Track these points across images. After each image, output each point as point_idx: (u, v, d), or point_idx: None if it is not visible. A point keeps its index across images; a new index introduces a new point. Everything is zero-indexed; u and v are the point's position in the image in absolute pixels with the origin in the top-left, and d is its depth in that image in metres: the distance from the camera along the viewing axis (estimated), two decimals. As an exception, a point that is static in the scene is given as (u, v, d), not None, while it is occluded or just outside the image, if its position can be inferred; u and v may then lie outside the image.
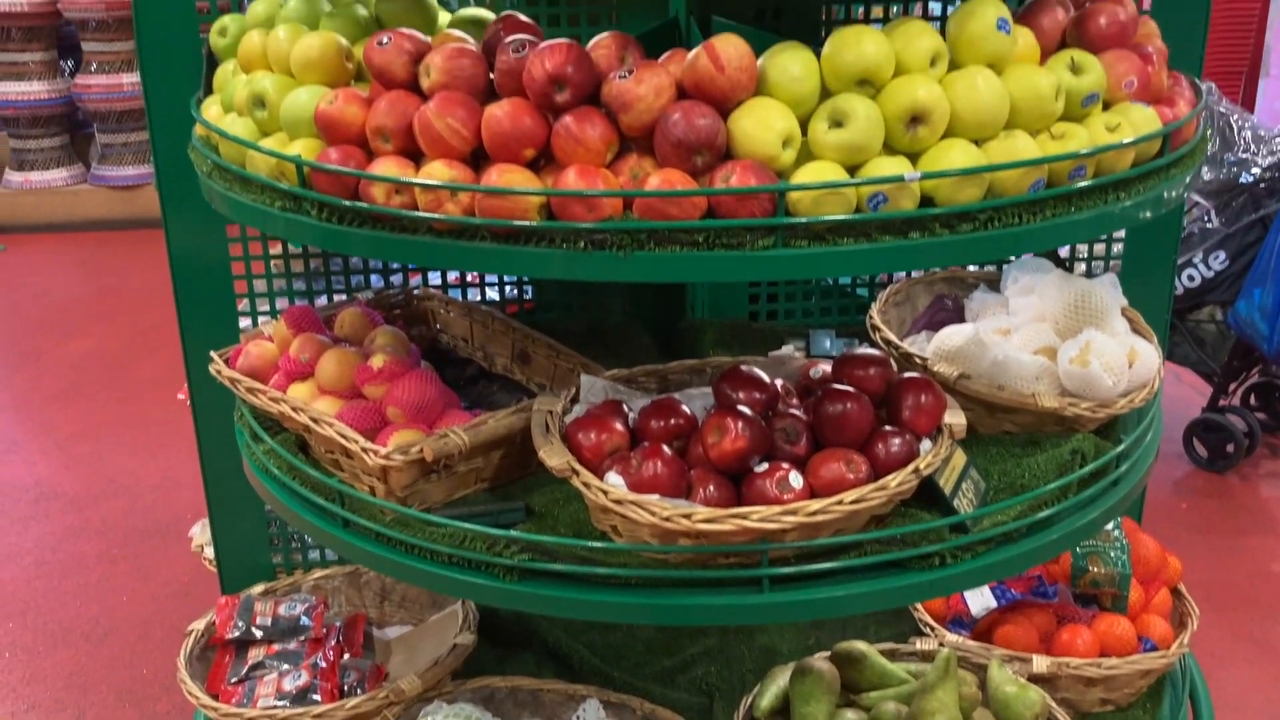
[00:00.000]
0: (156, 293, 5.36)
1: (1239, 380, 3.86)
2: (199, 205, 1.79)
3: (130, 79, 6.38)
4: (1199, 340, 3.70)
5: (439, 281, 2.34)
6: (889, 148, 1.41)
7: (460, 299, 2.19)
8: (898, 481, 1.48)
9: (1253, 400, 4.05)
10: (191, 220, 2.11)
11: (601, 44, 1.49)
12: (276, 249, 2.29)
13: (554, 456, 1.52)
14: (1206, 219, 3.50)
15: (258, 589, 2.27)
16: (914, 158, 1.41)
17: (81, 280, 5.82)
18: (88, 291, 5.65)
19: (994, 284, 2.09)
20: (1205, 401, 3.87)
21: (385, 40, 1.51)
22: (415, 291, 2.17)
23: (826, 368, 1.72)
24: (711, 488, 1.49)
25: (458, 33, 1.61)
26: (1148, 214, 1.50)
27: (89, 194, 6.67)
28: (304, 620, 2.16)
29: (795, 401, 1.67)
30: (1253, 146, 3.44)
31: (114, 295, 5.55)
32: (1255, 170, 3.44)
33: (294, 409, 1.71)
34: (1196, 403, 3.98)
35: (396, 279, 2.38)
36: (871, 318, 1.94)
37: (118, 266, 6.01)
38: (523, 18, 1.61)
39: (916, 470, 1.51)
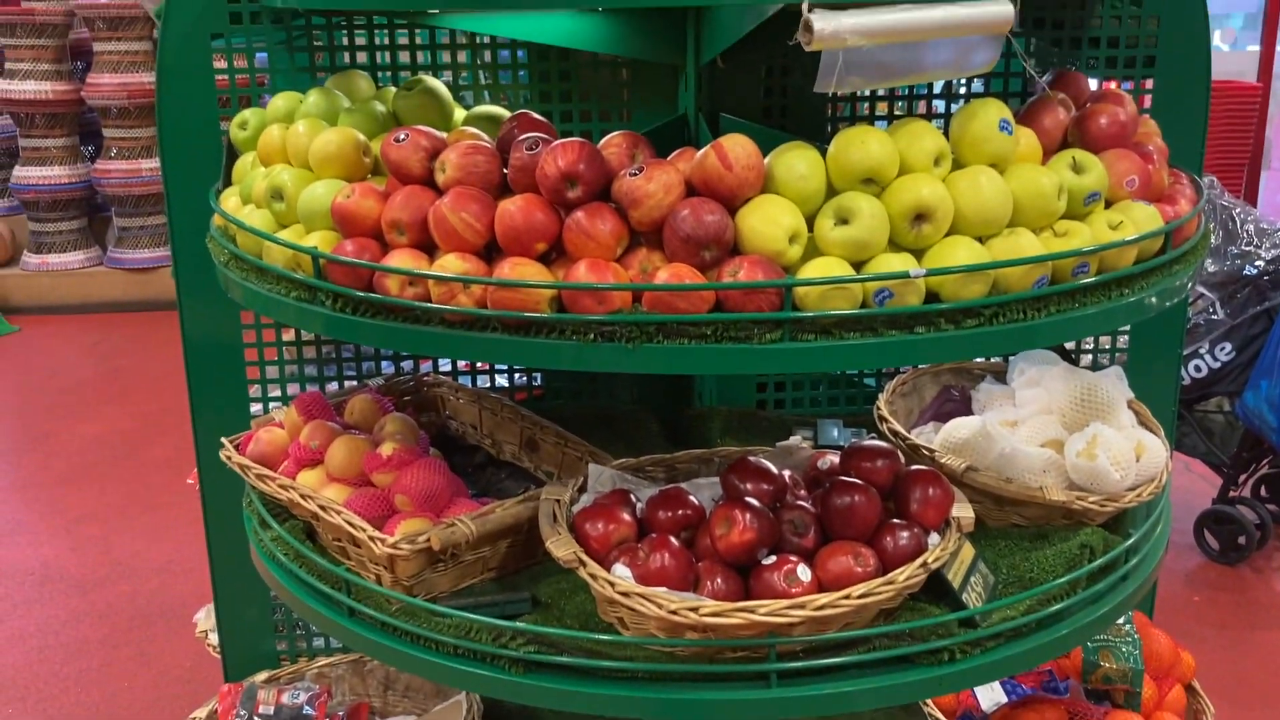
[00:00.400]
0: (168, 376, 5.40)
1: (1249, 471, 3.84)
2: (214, 290, 1.82)
3: (149, 164, 6.50)
4: (1207, 431, 3.70)
5: (449, 367, 2.36)
6: (894, 244, 1.43)
7: (470, 386, 2.21)
8: (906, 576, 1.48)
9: (1263, 491, 4.02)
10: (206, 305, 2.14)
11: (613, 142, 1.52)
12: (289, 335, 2.32)
13: (561, 547, 1.52)
14: (1212, 310, 3.52)
15: (261, 676, 2.25)
16: (919, 254, 1.43)
17: (94, 362, 5.87)
18: (100, 373, 5.69)
19: (1000, 375, 2.10)
20: (1215, 492, 3.84)
21: (402, 137, 1.55)
22: (425, 378, 2.19)
23: (834, 459, 1.73)
24: (719, 580, 1.49)
25: (472, 129, 1.65)
26: (1152, 310, 1.52)
27: (104, 276, 6.75)
28: (307, 709, 2.13)
29: (803, 493, 1.67)
30: (1255, 240, 3.48)
31: (126, 377, 5.59)
32: (1259, 263, 3.47)
33: (302, 495, 1.72)
34: (1206, 493, 3.95)
35: (407, 364, 2.40)
36: (879, 408, 1.95)
37: (131, 348, 6.05)
38: (536, 116, 1.66)
39: (925, 564, 1.50)
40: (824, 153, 1.46)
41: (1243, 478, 3.84)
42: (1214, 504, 3.81)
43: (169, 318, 2.39)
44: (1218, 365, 3.52)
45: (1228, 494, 3.81)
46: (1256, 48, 7.78)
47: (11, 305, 6.62)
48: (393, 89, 1.93)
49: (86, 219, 6.89)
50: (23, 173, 6.64)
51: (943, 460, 1.78)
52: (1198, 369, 3.56)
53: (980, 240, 1.44)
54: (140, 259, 6.69)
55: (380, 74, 2.15)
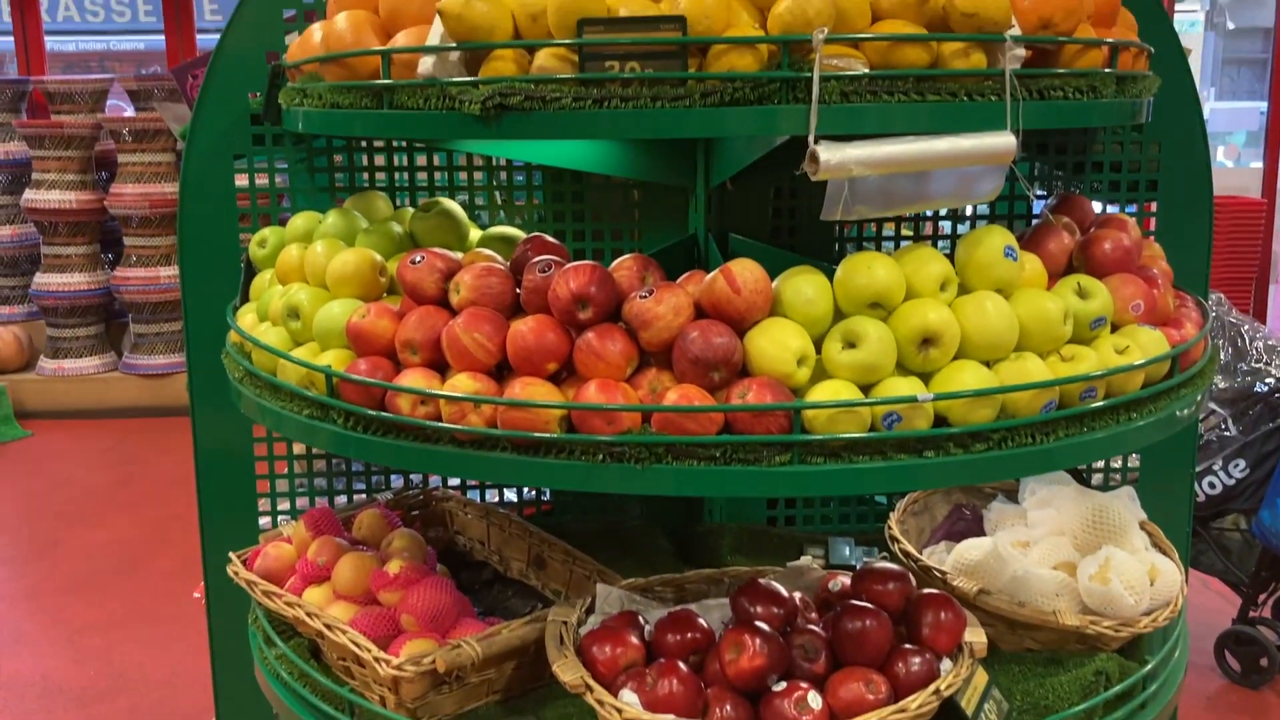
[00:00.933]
0: (178, 483, 5.40)
1: (1268, 591, 3.78)
2: (227, 401, 1.84)
3: (167, 271, 6.60)
4: (1224, 549, 3.65)
5: (459, 482, 2.36)
6: (902, 368, 1.44)
7: (479, 500, 2.21)
8: (919, 704, 1.45)
9: (1284, 611, 3.95)
10: (219, 415, 2.16)
11: (623, 265, 1.55)
12: (300, 447, 2.33)
13: (568, 672, 1.50)
14: (1224, 426, 3.51)
15: (260, 798, 2.20)
16: (926, 378, 1.44)
17: (104, 468, 5.87)
18: (110, 480, 5.69)
19: (1012, 494, 2.09)
20: (1235, 611, 3.78)
21: (418, 259, 1.58)
22: (434, 492, 2.18)
23: (846, 580, 1.71)
24: (728, 707, 1.46)
25: (487, 251, 1.69)
26: (1160, 435, 1.52)
27: (119, 382, 6.80)
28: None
29: (814, 616, 1.65)
30: (1265, 356, 3.48)
31: (136, 484, 5.59)
32: (1270, 380, 3.47)
33: (308, 613, 1.71)
34: (1226, 612, 3.88)
35: (417, 477, 2.40)
36: (890, 528, 1.94)
37: (141, 455, 6.06)
38: (549, 239, 1.69)
39: (938, 691, 1.48)
40: (831, 275, 1.48)
41: (1262, 597, 3.78)
42: (1234, 624, 3.73)
43: (182, 423, 2.41)
44: (1232, 482, 3.49)
45: (1248, 614, 3.74)
46: (1260, 164, 7.91)
47: (26, 410, 6.66)
48: (410, 210, 1.98)
49: (104, 325, 6.98)
50: (43, 280, 6.74)
51: (955, 583, 1.76)
52: (1212, 485, 3.53)
53: (987, 364, 1.45)
54: (155, 365, 6.75)
55: (399, 194, 2.20)
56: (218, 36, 2.04)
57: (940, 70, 1.39)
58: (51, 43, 10.14)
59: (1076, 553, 1.84)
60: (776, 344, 1.42)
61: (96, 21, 13.85)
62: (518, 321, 1.49)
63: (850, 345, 1.42)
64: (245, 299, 1.97)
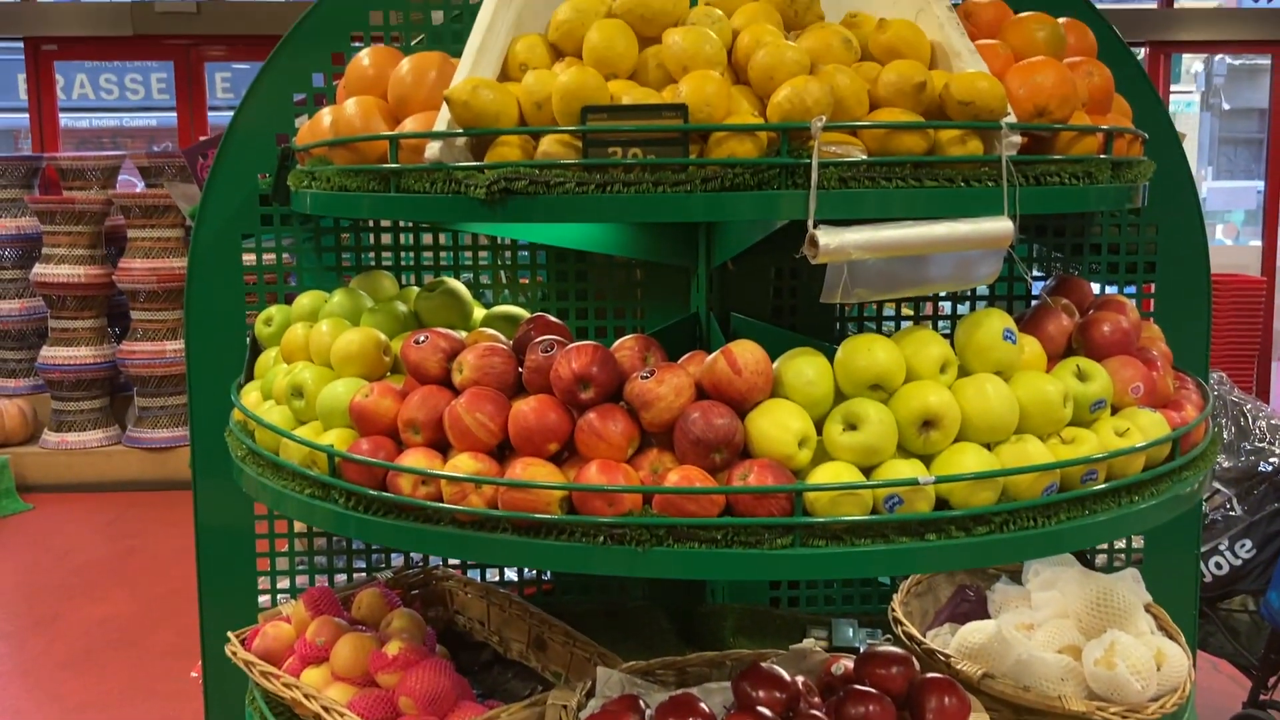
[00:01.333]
0: (178, 557, 5.36)
1: (1278, 674, 3.72)
2: (230, 477, 1.84)
3: (173, 345, 6.63)
4: (1233, 630, 3.61)
5: (459, 560, 2.34)
6: (903, 450, 1.45)
7: (479, 579, 2.19)
8: (923, 791, 1.43)
9: (1295, 694, 3.89)
10: (221, 492, 2.16)
11: (625, 345, 1.56)
12: (302, 525, 2.32)
13: (567, 756, 1.48)
14: (1229, 506, 3.49)
15: None
16: (927, 460, 1.45)
17: (105, 542, 5.85)
18: (110, 553, 5.66)
19: (1016, 575, 2.07)
20: (1245, 694, 3.72)
21: (422, 339, 1.59)
22: (435, 571, 2.17)
23: (848, 664, 1.70)
24: (729, 794, 1.44)
25: (490, 330, 1.70)
26: (1163, 518, 1.51)
27: (122, 455, 6.79)
28: None
29: (817, 700, 1.63)
30: (1268, 436, 3.48)
31: (136, 558, 5.56)
32: (1273, 460, 3.46)
33: (306, 695, 1.69)
34: (1237, 695, 3.82)
35: (417, 555, 2.39)
36: (893, 610, 1.92)
37: (142, 529, 6.04)
38: (552, 319, 1.70)
39: (942, 779, 1.46)
40: (832, 356, 1.49)
41: (1272, 680, 3.72)
42: (1244, 708, 3.67)
43: (184, 497, 2.40)
44: (1239, 563, 3.46)
45: (1258, 697, 3.68)
46: (1259, 242, 7.98)
47: (27, 483, 6.65)
48: (415, 289, 2.00)
49: (109, 398, 6.99)
50: (49, 353, 6.77)
51: (959, 666, 1.74)
52: (1218, 566, 3.50)
53: (988, 447, 1.46)
54: (159, 439, 6.75)
55: (404, 272, 2.22)
56: (228, 113, 2.08)
57: (937, 157, 1.41)
58: (65, 119, 10.34)
59: (1081, 636, 1.82)
60: (778, 425, 1.42)
61: (110, 99, 14.10)
62: (520, 401, 1.50)
63: (851, 427, 1.43)
64: (250, 377, 1.98)
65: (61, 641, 4.57)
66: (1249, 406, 3.57)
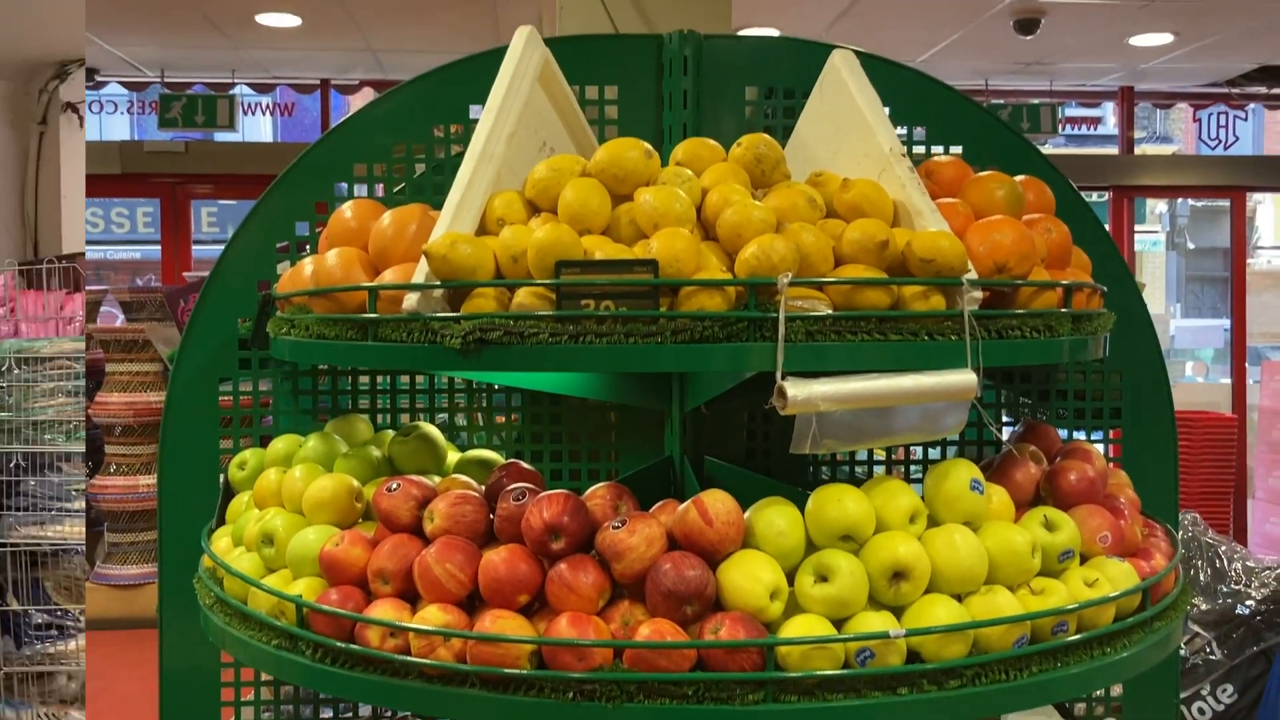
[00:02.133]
0: (141, 699, 5.21)
1: (1268, 822, 3.64)
2: (197, 623, 1.81)
3: (146, 480, 6.56)
4: (1220, 778, 3.54)
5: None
6: (874, 601, 1.45)
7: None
8: None
9: (1287, 844, 3.80)
10: (188, 637, 2.11)
11: (597, 494, 1.57)
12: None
13: None
14: (1209, 650, 3.47)
15: None
16: (898, 612, 1.45)
17: (66, 683, 5.68)
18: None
19: (994, 726, 2.05)
20: (1236, 845, 3.63)
21: (394, 487, 1.60)
22: (403, 718, 2.13)
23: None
24: None
25: (463, 478, 1.71)
26: (1137, 669, 1.51)
27: (89, 593, 6.65)
28: None
29: None
30: (1244, 578, 3.48)
31: (97, 701, 5.40)
32: (1249, 603, 3.46)
33: None
34: (1228, 846, 3.73)
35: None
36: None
37: (106, 669, 5.88)
38: (525, 465, 1.71)
39: None
40: (803, 504, 1.50)
41: (1263, 829, 3.64)
42: None
43: (149, 635, 2.35)
44: (1221, 708, 3.42)
45: (1249, 847, 3.59)
46: (1228, 380, 8.10)
47: (-10, 621, 6.49)
48: (390, 433, 2.00)
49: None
50: (21, 487, 6.69)
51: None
52: (1201, 711, 3.46)
53: (958, 598, 1.46)
54: (128, 576, 6.63)
55: (380, 414, 2.23)
56: (212, 247, 2.12)
57: (901, 311, 1.45)
58: (50, 254, 10.41)
59: (1061, 790, 1.79)
60: (749, 577, 1.42)
61: (96, 232, 14.28)
62: (490, 552, 1.49)
63: (822, 579, 1.43)
64: (221, 520, 1.97)
65: (14, 791, 4.40)
66: (1224, 548, 3.58)
